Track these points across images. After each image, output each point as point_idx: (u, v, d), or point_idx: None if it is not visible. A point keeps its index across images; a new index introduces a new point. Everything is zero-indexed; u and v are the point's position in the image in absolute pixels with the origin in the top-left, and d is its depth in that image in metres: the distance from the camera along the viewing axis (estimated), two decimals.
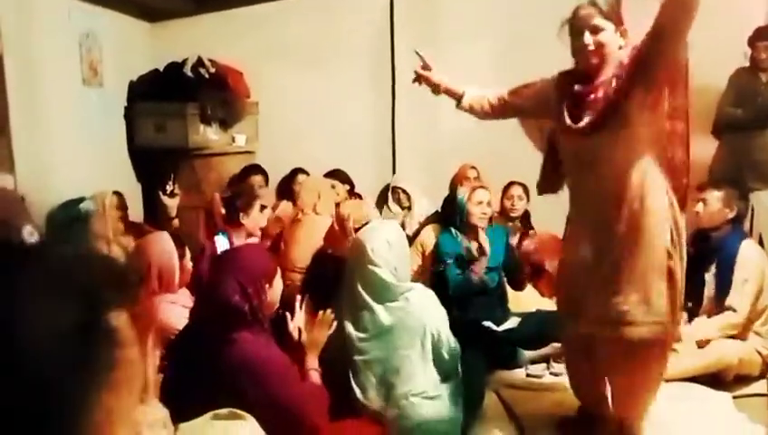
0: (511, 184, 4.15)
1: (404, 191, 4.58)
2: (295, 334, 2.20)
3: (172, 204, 3.52)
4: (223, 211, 3.32)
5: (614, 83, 2.13)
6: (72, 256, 0.56)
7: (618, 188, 2.18)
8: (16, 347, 0.48)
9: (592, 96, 2.18)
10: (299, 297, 2.31)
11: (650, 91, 2.13)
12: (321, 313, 2.21)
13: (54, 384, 0.49)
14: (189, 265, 2.67)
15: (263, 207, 3.73)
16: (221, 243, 3.16)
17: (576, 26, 2.18)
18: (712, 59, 3.97)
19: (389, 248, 2.44)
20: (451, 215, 3.48)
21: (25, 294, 0.50)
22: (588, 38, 2.15)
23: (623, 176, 2.16)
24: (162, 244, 2.56)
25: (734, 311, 3.00)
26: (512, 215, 4.10)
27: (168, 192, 3.53)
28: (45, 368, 0.49)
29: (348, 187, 4.26)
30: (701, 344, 2.99)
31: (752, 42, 4.00)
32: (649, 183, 2.18)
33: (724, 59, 4.09)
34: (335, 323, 2.24)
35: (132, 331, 0.56)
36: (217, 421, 1.59)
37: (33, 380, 0.48)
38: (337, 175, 4.32)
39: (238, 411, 1.69)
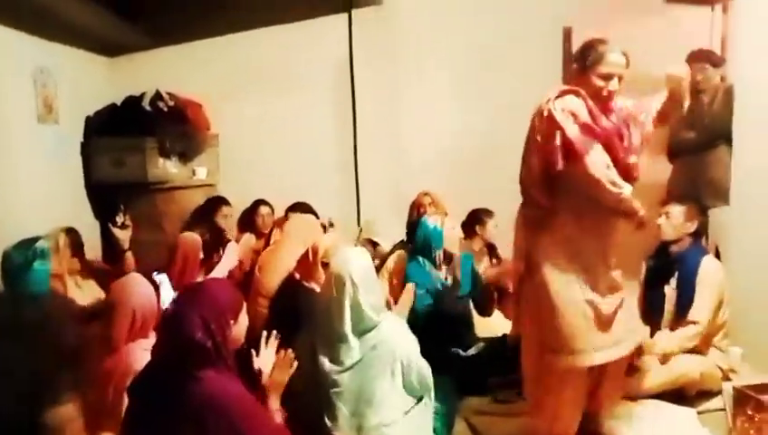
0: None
1: (373, 242, 4.59)
2: (257, 374, 2.16)
3: (124, 236, 3.47)
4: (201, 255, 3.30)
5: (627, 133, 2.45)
6: (16, 339, 0.52)
7: None
8: None
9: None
10: (264, 333, 2.27)
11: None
12: (282, 353, 2.18)
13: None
14: (163, 306, 2.61)
15: (227, 241, 3.70)
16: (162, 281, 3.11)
17: (608, 72, 2.38)
18: (659, 80, 4.12)
19: (368, 273, 2.45)
20: (423, 244, 3.48)
21: None
22: (615, 84, 2.38)
23: None
24: (141, 287, 2.49)
25: (696, 323, 3.06)
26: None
27: (118, 224, 3.47)
28: None
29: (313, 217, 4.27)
30: (663, 361, 3.04)
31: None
32: None
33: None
34: (295, 364, 2.20)
35: (80, 419, 0.52)
36: None
37: None
38: (300, 207, 4.32)
39: None
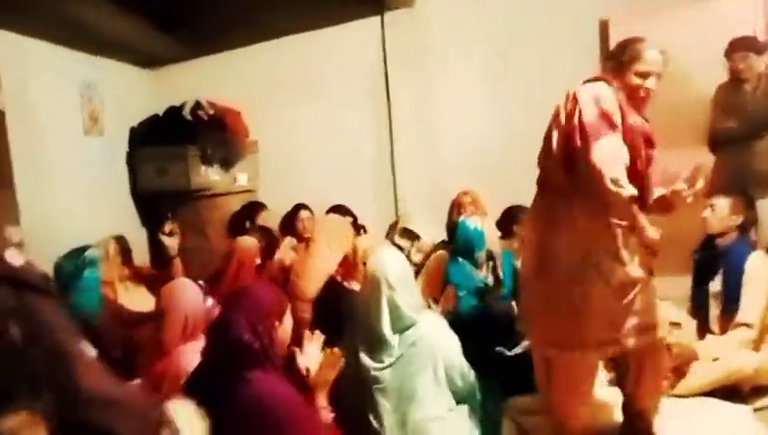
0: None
1: (411, 232, 4.58)
2: (303, 372, 2.18)
3: (172, 243, 3.54)
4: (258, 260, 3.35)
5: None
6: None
7: None
8: None
9: None
10: (307, 333, 2.30)
11: None
12: (328, 351, 2.20)
13: None
14: (211, 310, 2.66)
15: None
16: None
17: (645, 69, 2.31)
18: (700, 72, 4.04)
19: (403, 273, 2.46)
20: (464, 245, 3.46)
21: None
22: (652, 83, 2.31)
23: None
24: (190, 292, 2.54)
25: (749, 326, 2.98)
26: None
27: (166, 232, 3.55)
28: None
29: (351, 219, 4.29)
30: (715, 359, 2.97)
31: (728, 54, 4.04)
32: None
33: (713, 71, 4.14)
34: (342, 362, 2.22)
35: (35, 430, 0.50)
36: None
37: None
38: (339, 210, 4.35)
39: None
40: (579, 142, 2.21)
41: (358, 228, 4.46)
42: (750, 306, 2.99)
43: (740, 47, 4.01)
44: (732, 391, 2.99)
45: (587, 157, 2.19)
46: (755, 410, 2.88)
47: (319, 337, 2.26)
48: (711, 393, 3.00)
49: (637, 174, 2.29)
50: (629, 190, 2.17)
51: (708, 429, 2.69)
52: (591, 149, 2.18)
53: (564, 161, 2.29)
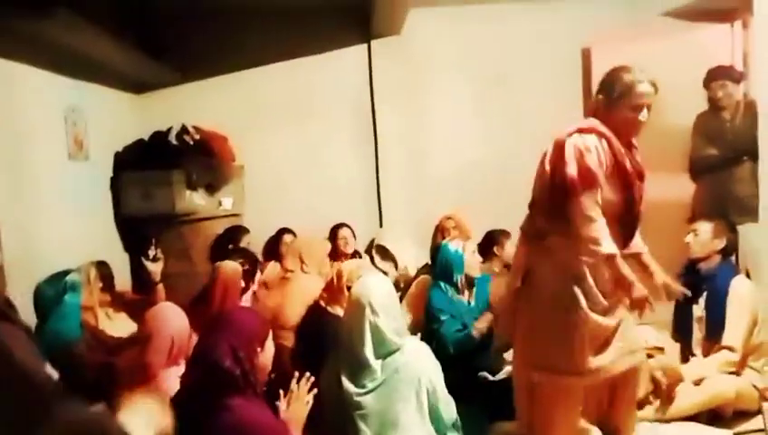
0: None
1: (385, 250, 4.62)
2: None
3: (156, 268, 3.52)
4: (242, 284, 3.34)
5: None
6: None
7: None
8: None
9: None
10: (296, 375, 2.26)
11: None
12: (295, 386, 2.17)
13: None
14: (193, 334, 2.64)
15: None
16: None
17: (637, 103, 2.32)
18: (680, 100, 4.11)
19: (388, 299, 2.46)
20: (445, 268, 3.47)
21: None
22: (645, 115, 2.33)
23: None
24: (176, 316, 2.53)
25: (732, 349, 3.00)
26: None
27: (150, 257, 3.53)
28: None
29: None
30: (697, 382, 2.98)
31: (707, 83, 4.13)
32: None
33: (692, 99, 4.23)
34: (311, 397, 2.19)
35: None
36: None
37: None
38: (342, 228, 4.50)
39: None
40: (559, 196, 2.26)
41: (353, 255, 4.49)
42: (733, 330, 3.01)
43: (718, 76, 4.10)
44: (714, 416, 3.00)
45: (567, 211, 2.25)
46: (736, 434, 2.89)
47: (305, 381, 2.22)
48: (694, 418, 3.01)
49: (632, 210, 2.35)
50: (607, 249, 2.21)
51: None
52: (572, 205, 2.24)
53: (547, 207, 2.35)
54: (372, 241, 4.79)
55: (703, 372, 3.00)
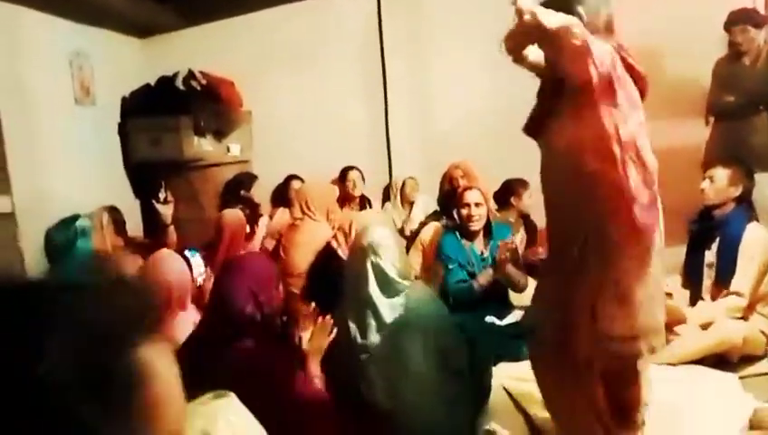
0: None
1: (414, 181, 4.59)
2: (296, 341, 2.21)
3: (166, 211, 3.54)
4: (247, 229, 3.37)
5: None
6: (90, 294, 0.52)
7: None
8: (37, 397, 0.45)
9: None
10: (311, 310, 2.32)
11: None
12: (320, 320, 2.22)
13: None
14: (198, 279, 2.68)
15: (260, 216, 3.77)
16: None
17: None
18: (695, 46, 4.02)
19: (389, 242, 2.46)
20: (450, 217, 3.47)
21: (42, 337, 0.47)
22: None
23: None
24: (174, 261, 2.56)
25: (740, 295, 3.00)
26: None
27: (161, 199, 3.55)
28: (71, 417, 0.46)
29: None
30: (704, 326, 3.00)
31: (727, 27, 4.01)
32: None
33: (708, 45, 4.12)
34: (335, 330, 2.24)
35: (160, 361, 0.53)
36: (204, 406, 1.57)
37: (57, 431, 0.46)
38: (352, 171, 4.48)
39: (221, 392, 1.67)
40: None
41: (363, 200, 4.49)
42: (743, 276, 3.00)
43: (739, 19, 3.97)
44: (720, 360, 3.03)
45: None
46: (741, 377, 2.92)
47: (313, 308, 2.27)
48: (700, 361, 3.04)
49: None
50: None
51: (695, 396, 2.73)
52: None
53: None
54: (389, 186, 4.76)
55: (710, 315, 3.02)
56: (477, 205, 3.33)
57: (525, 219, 4.07)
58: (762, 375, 2.87)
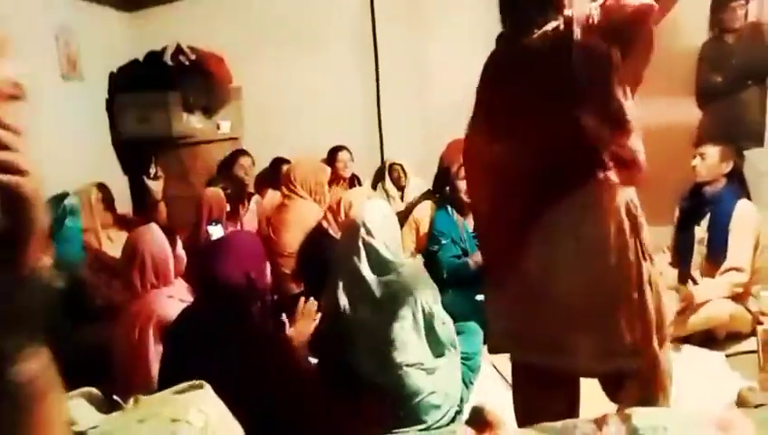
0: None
1: (402, 168, 4.57)
2: (281, 325, 2.23)
3: (157, 187, 3.52)
4: (228, 207, 3.37)
5: None
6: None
7: None
8: None
9: None
10: (302, 299, 2.32)
11: None
12: (302, 304, 2.23)
13: None
14: (182, 253, 2.67)
15: (251, 195, 3.76)
16: (216, 232, 3.21)
17: None
18: (687, 21, 4.00)
19: (383, 222, 2.47)
20: (443, 192, 3.47)
21: None
22: None
23: None
24: (153, 235, 2.56)
25: (741, 270, 3.00)
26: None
27: (151, 175, 3.53)
28: None
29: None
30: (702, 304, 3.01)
31: (723, 2, 4.00)
32: None
33: (701, 22, 4.11)
34: (317, 315, 2.26)
35: (46, 377, 0.47)
36: (178, 395, 1.58)
37: None
38: (341, 150, 4.44)
39: (196, 382, 1.68)
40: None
41: (352, 180, 4.48)
42: (739, 251, 3.01)
43: None
44: (707, 338, 3.07)
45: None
46: (728, 355, 2.96)
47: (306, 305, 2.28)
48: (687, 339, 3.08)
49: None
50: None
51: (680, 374, 2.76)
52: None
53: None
54: (385, 163, 4.73)
55: (712, 293, 3.02)
56: None
57: None
58: (747, 353, 2.91)
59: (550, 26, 1.76)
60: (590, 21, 1.71)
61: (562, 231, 1.76)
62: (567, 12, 1.76)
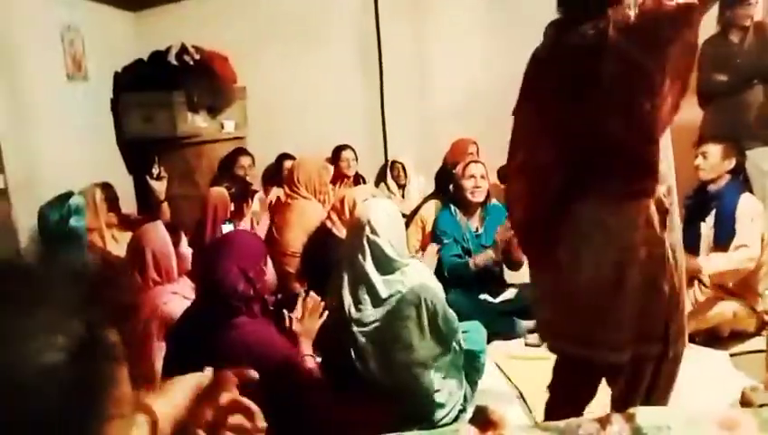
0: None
1: (403, 167, 4.58)
2: (287, 323, 2.22)
3: (160, 187, 3.54)
4: (232, 207, 3.38)
5: None
6: (70, 272, 0.54)
7: None
8: (14, 370, 0.46)
9: None
10: (302, 293, 2.32)
11: None
12: (309, 300, 2.23)
13: (56, 406, 0.47)
14: (186, 251, 2.69)
15: (254, 193, 3.77)
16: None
17: None
18: None
19: (388, 221, 2.47)
20: (446, 190, 3.48)
21: (22, 313, 0.48)
22: None
23: None
24: (156, 232, 2.57)
25: (746, 246, 2.98)
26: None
27: (154, 175, 3.54)
28: (46, 390, 0.46)
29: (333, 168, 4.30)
30: (713, 277, 3.01)
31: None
32: None
33: (706, 20, 4.08)
34: (326, 312, 2.26)
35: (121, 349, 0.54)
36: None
37: (33, 403, 0.46)
38: (345, 149, 4.45)
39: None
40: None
41: (357, 179, 4.49)
42: (749, 231, 2.99)
43: None
44: (712, 337, 3.07)
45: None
46: (732, 355, 2.96)
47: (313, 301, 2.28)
48: (691, 338, 3.07)
49: None
50: None
51: (684, 373, 2.76)
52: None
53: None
54: (385, 165, 4.74)
55: (722, 265, 3.00)
56: (482, 177, 3.39)
57: None
58: (752, 353, 2.91)
59: (590, 25, 1.73)
60: (628, 23, 1.68)
61: (589, 224, 1.81)
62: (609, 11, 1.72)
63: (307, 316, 2.21)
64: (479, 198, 3.41)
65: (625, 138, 1.74)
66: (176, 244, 2.59)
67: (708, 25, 4.09)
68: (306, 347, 2.19)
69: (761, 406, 2.21)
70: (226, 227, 3.28)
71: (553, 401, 2.09)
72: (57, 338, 0.48)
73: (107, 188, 3.35)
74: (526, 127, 1.98)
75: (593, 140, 1.76)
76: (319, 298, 2.25)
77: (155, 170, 3.55)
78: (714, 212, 3.14)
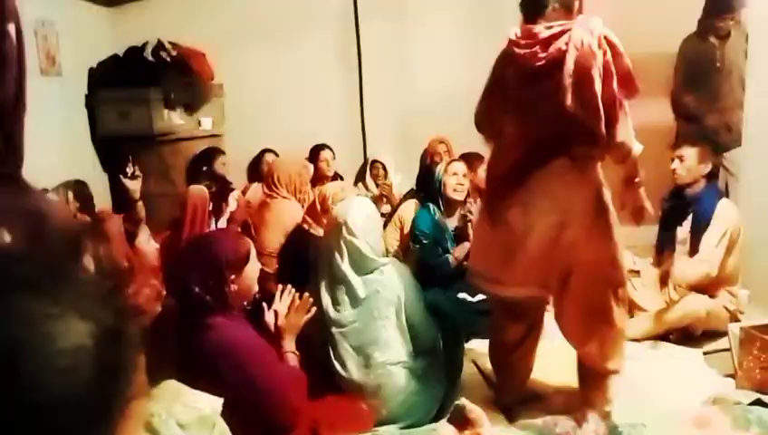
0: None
1: (383, 166, 4.57)
2: (271, 320, 2.18)
3: (134, 186, 3.47)
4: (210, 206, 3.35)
5: None
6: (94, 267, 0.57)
7: None
8: (43, 359, 0.48)
9: None
10: (279, 287, 2.27)
11: None
12: (296, 297, 2.19)
13: (84, 392, 0.49)
14: (148, 247, 2.64)
15: (232, 190, 3.73)
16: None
17: None
18: (667, 21, 4.04)
19: (366, 221, 2.46)
20: (428, 189, 3.48)
21: (52, 304, 0.50)
22: None
23: None
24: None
25: (709, 261, 3.01)
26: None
27: (128, 174, 3.48)
28: (80, 369, 0.49)
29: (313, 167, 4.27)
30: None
31: (717, 13, 4.02)
32: None
33: (681, 22, 4.15)
34: (313, 309, 2.23)
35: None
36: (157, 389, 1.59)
37: (62, 388, 0.48)
38: (323, 149, 4.40)
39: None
40: (611, 104, 2.10)
41: (335, 178, 4.46)
42: (710, 246, 3.02)
43: (732, 8, 3.97)
44: (685, 336, 3.11)
45: (614, 117, 2.11)
46: (705, 353, 3.00)
47: (290, 293, 2.24)
48: (665, 337, 3.12)
49: None
50: (637, 147, 2.22)
51: (659, 372, 2.80)
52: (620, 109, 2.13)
53: (571, 123, 2.13)
54: (367, 160, 4.72)
55: (688, 273, 3.06)
56: (464, 175, 3.42)
57: (481, 193, 4.10)
58: (725, 351, 2.94)
59: (555, 45, 2.11)
60: (588, 49, 2.05)
61: (541, 192, 2.20)
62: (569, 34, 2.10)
63: (293, 312, 2.17)
64: (459, 195, 3.43)
65: (576, 114, 2.07)
66: (131, 240, 2.53)
67: (682, 31, 4.17)
68: (289, 343, 2.15)
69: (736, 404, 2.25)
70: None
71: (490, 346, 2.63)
72: (88, 324, 0.51)
73: (80, 185, 3.30)
74: (496, 107, 2.42)
75: (550, 117, 2.11)
76: (307, 294, 2.21)
77: (129, 169, 3.49)
78: (690, 217, 3.18)
